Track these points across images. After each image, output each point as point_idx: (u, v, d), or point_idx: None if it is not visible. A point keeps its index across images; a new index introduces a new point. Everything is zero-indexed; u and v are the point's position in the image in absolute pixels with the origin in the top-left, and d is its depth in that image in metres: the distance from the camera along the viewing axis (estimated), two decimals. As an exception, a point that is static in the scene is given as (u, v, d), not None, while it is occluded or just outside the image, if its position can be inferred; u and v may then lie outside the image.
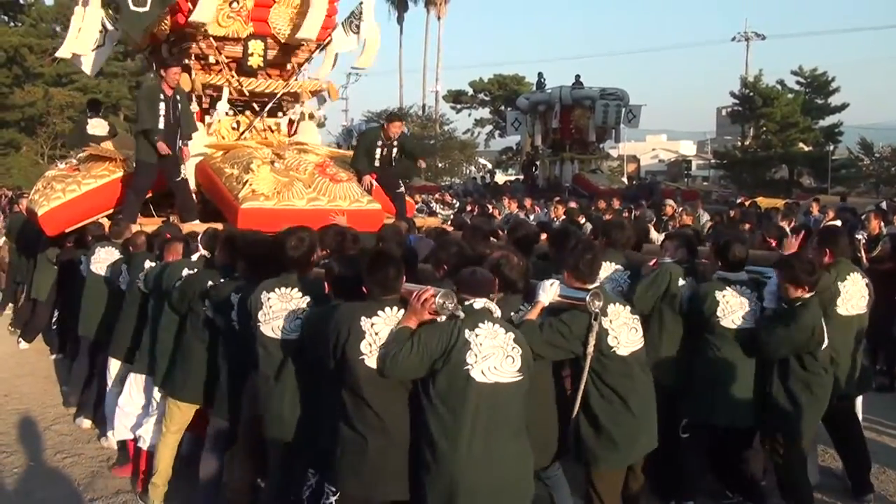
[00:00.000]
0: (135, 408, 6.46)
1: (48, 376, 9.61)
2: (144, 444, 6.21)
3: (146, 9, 9.45)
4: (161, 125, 9.25)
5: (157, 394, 6.14)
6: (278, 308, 4.68)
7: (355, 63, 11.80)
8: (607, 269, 5.75)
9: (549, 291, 4.70)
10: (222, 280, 5.53)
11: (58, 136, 45.05)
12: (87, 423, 7.79)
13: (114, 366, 7.06)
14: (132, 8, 9.50)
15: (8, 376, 9.58)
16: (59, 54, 11.87)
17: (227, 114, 10.62)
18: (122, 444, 6.70)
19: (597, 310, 4.54)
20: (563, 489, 5.14)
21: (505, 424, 3.95)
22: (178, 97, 9.45)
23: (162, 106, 9.25)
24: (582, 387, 4.66)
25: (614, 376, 4.65)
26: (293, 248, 4.83)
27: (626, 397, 4.66)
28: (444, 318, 3.97)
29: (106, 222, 9.46)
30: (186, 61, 10.36)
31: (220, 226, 8.89)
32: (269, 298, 4.69)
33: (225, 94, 10.47)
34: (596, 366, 4.61)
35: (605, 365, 4.63)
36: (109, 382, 7.11)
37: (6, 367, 9.99)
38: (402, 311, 4.08)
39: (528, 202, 20.24)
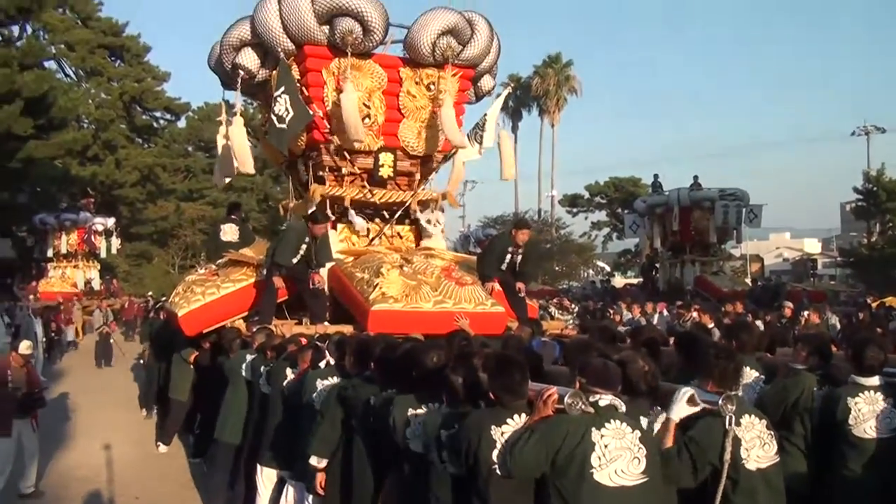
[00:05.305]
0: None
1: (177, 479, 9.95)
2: None
3: (286, 126, 10.12)
4: (294, 261, 9.85)
5: (311, 500, 6.21)
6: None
7: (502, 176, 12.36)
8: (744, 375, 5.44)
9: (681, 405, 4.39)
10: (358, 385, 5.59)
11: (188, 247, 47.39)
12: None
13: (265, 473, 7.21)
14: (278, 126, 10.22)
15: (140, 478, 9.94)
16: (222, 181, 13.38)
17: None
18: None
19: (730, 414, 4.27)
20: None
21: None
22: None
23: (304, 248, 9.88)
24: (718, 497, 4.29)
25: (738, 490, 4.32)
26: (434, 362, 4.94)
27: None
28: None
29: (242, 324, 9.96)
30: (321, 173, 11.04)
31: (349, 328, 9.24)
32: (415, 415, 4.76)
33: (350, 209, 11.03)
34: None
35: (731, 478, 4.33)
36: (260, 488, 7.27)
37: (138, 469, 10.38)
38: None
39: (649, 306, 19.90)
